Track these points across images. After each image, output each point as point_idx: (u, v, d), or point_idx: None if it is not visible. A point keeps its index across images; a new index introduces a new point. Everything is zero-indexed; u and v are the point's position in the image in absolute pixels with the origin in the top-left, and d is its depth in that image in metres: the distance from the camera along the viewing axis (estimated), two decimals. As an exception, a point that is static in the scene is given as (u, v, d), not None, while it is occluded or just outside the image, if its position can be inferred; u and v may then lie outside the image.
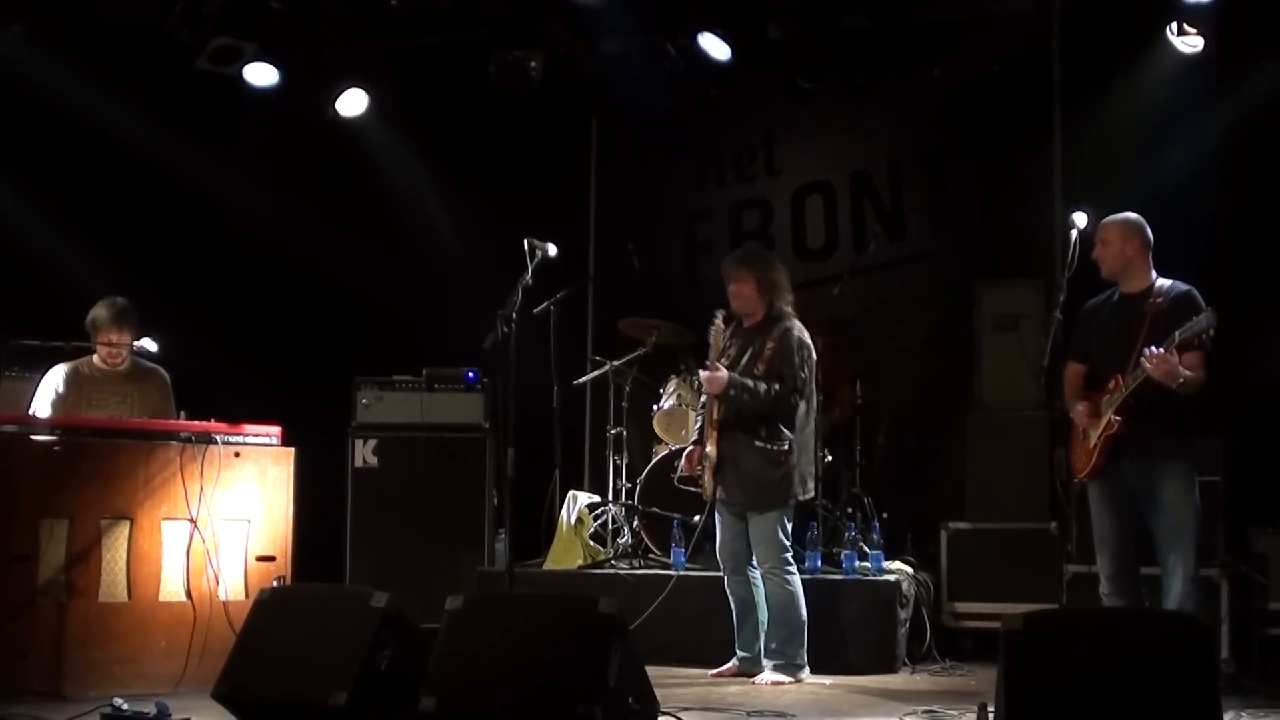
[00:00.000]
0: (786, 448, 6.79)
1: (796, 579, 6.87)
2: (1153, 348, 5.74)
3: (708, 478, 6.99)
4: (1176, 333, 5.71)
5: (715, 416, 6.91)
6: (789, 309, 7.00)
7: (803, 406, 6.87)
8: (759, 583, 6.97)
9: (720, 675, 6.99)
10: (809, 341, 6.93)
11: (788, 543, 6.88)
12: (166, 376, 7.17)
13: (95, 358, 7.04)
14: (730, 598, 7.04)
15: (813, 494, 7.10)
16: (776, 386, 6.75)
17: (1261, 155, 7.91)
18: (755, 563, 6.95)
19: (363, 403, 8.50)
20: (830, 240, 9.48)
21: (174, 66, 8.50)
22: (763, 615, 6.97)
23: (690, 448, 7.27)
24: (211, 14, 8.07)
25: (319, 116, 8.83)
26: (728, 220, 9.77)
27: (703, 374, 6.87)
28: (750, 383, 6.76)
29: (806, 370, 6.85)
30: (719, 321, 6.98)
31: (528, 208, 9.05)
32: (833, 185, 9.49)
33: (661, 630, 7.21)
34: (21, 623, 6.15)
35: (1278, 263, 7.83)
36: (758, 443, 6.80)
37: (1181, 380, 5.76)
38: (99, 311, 7.00)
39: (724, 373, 6.77)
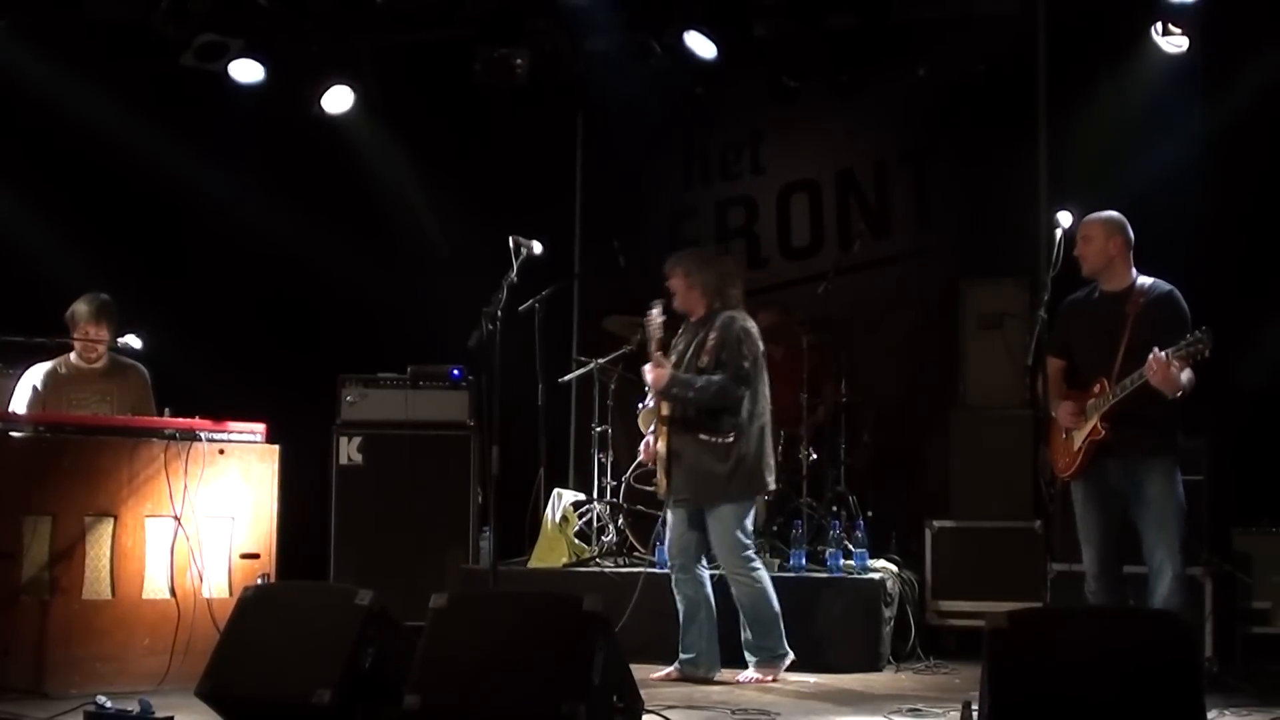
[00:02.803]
0: (731, 440, 6.70)
1: (762, 573, 6.79)
2: (1157, 350, 5.72)
3: (660, 475, 6.92)
4: (1171, 349, 5.68)
5: (664, 412, 6.87)
6: (734, 304, 6.93)
7: (748, 398, 6.77)
8: (705, 581, 6.88)
9: (663, 680, 6.78)
10: (754, 331, 6.86)
11: (747, 540, 6.78)
12: (145, 372, 7.14)
13: (73, 355, 7.01)
14: (677, 597, 6.90)
15: (772, 488, 6.98)
16: (718, 376, 6.69)
17: (1246, 155, 7.91)
18: (706, 563, 6.91)
19: (347, 400, 8.49)
20: (815, 238, 9.49)
21: (159, 62, 8.47)
22: (709, 614, 6.85)
23: (646, 440, 7.17)
24: (197, 10, 8.08)
25: (304, 113, 8.81)
26: (713, 218, 9.77)
27: (645, 369, 6.83)
28: (691, 378, 6.71)
29: (749, 360, 6.76)
30: (654, 312, 6.85)
31: (513, 205, 9.06)
32: (818, 184, 9.50)
33: (646, 628, 7.18)
34: (4, 620, 6.12)
35: (1263, 263, 7.85)
36: (702, 435, 6.74)
37: (1179, 394, 5.77)
38: (78, 306, 6.96)
39: (667, 369, 6.73)
